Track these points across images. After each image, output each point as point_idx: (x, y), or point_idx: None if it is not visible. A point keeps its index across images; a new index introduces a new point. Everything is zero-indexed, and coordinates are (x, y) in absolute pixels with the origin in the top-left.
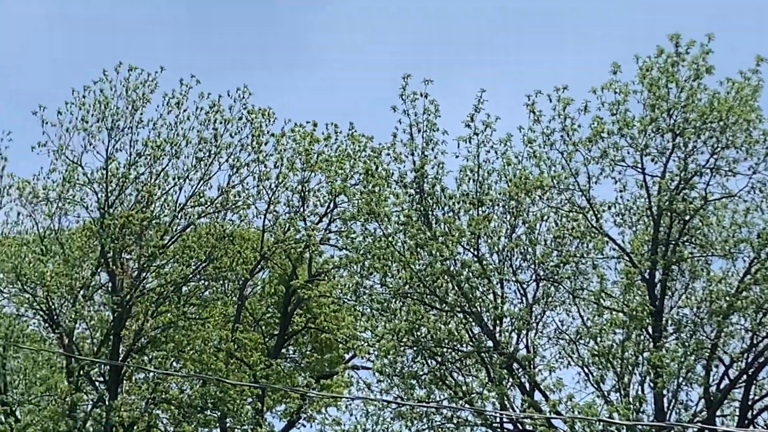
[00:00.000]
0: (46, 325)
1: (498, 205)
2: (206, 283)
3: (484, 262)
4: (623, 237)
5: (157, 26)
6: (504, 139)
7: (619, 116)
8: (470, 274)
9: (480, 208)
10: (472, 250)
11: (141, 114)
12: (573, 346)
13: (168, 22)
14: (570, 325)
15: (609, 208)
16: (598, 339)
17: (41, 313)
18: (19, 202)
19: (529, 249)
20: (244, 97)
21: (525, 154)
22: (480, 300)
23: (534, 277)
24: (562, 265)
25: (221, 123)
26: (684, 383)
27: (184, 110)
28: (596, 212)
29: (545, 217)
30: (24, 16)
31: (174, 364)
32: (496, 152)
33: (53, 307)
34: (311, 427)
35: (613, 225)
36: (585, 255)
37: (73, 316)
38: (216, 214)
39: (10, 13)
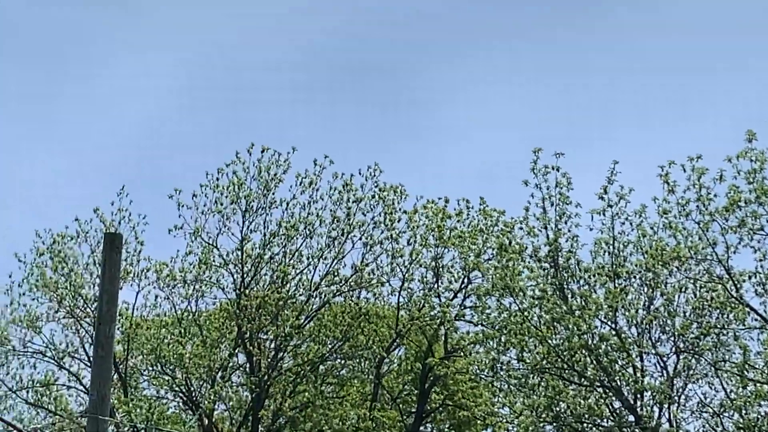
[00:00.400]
0: (186, 407)
1: (635, 277)
2: (343, 361)
3: (623, 335)
4: (765, 307)
5: (285, 105)
6: (639, 210)
7: (756, 184)
8: (609, 347)
9: (616, 281)
10: (609, 323)
11: (274, 194)
12: (717, 419)
13: (297, 101)
14: (713, 397)
15: (749, 277)
16: (743, 412)
17: (181, 394)
18: (157, 285)
19: (668, 321)
20: (375, 175)
21: (660, 225)
22: (619, 374)
23: (674, 349)
24: (702, 336)
25: (354, 201)
26: None
27: (317, 189)
28: (736, 282)
29: (683, 288)
30: (148, 97)
31: None
32: (630, 224)
33: (192, 388)
34: None
35: (755, 295)
36: (726, 326)
37: (212, 397)
38: (350, 292)
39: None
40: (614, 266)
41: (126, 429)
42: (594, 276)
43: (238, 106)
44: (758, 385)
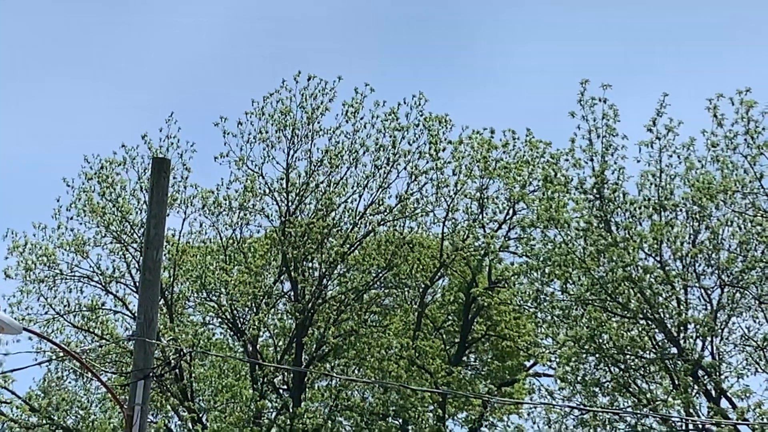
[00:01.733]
0: (231, 333)
1: (681, 210)
2: (387, 290)
3: (667, 268)
4: None
5: (334, 32)
6: (687, 143)
7: None
8: (653, 280)
9: (662, 214)
10: (654, 255)
11: (319, 123)
12: (760, 353)
13: (347, 28)
14: (757, 331)
15: None
16: None
17: (226, 321)
18: (203, 213)
19: (713, 254)
20: (420, 104)
21: (708, 158)
22: (663, 306)
23: (718, 282)
24: (747, 270)
25: (398, 130)
26: None
27: (361, 118)
28: None
29: (729, 222)
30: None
31: (355, 371)
32: (678, 157)
33: (237, 315)
34: None
35: None
36: None
37: (256, 324)
38: (395, 221)
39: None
40: (660, 199)
41: (172, 353)
42: (640, 208)
43: (285, 36)
44: None
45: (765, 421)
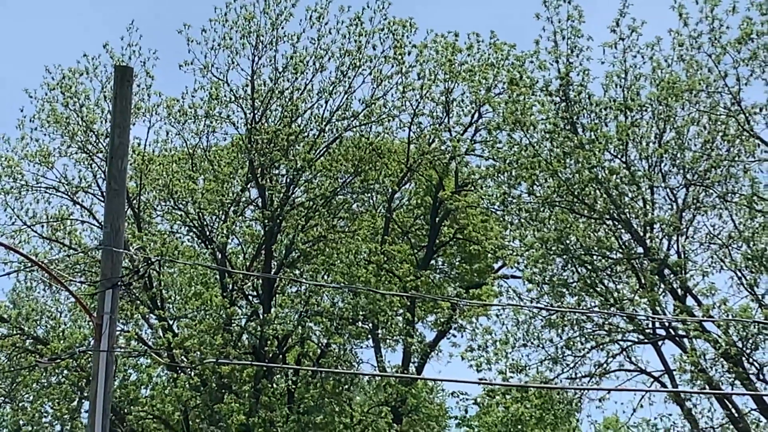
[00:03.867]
0: (199, 241)
1: (646, 110)
2: (354, 196)
3: (633, 169)
4: None
5: None
6: (652, 43)
7: None
8: (618, 180)
9: (628, 114)
10: (620, 156)
11: (283, 29)
12: (725, 251)
13: None
14: (722, 229)
15: (760, 110)
16: (751, 243)
17: (194, 229)
18: (168, 121)
19: (679, 154)
20: (384, 8)
21: (675, 57)
22: (629, 206)
23: (684, 182)
24: (712, 169)
25: (362, 35)
26: None
27: (326, 24)
28: (747, 115)
29: (694, 122)
30: None
31: (325, 277)
32: (642, 57)
33: (205, 223)
34: (462, 337)
35: (765, 127)
36: (736, 158)
37: (224, 231)
38: (361, 127)
39: None
40: (625, 99)
41: (140, 262)
42: (605, 110)
43: None
44: (766, 216)
45: (730, 317)
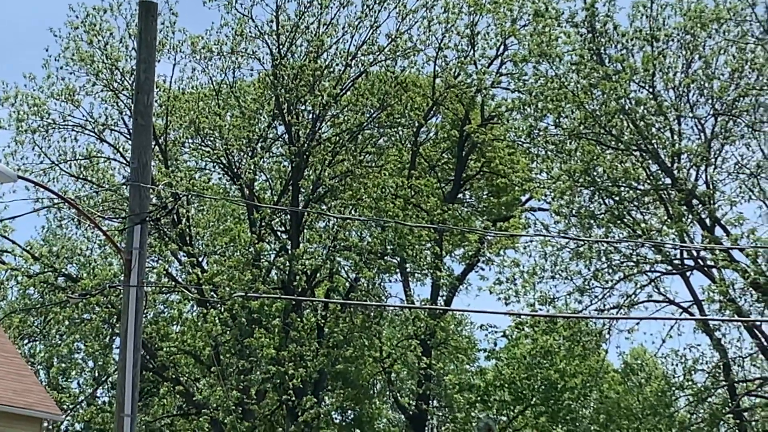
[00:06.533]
0: (227, 177)
1: (673, 40)
2: (380, 130)
3: (660, 99)
4: None
5: None
6: None
7: None
8: (645, 111)
9: (654, 44)
10: (647, 87)
11: None
12: (753, 180)
13: None
14: (750, 159)
15: None
16: None
17: (221, 166)
18: (193, 58)
19: (706, 83)
20: None
21: None
22: (656, 137)
23: (712, 111)
24: (740, 98)
25: None
26: None
27: None
28: None
29: (722, 51)
30: None
31: (352, 211)
32: None
33: (232, 160)
34: (490, 269)
35: None
36: (765, 87)
37: (252, 167)
38: (387, 61)
39: None
40: (652, 30)
41: (168, 198)
42: (631, 40)
43: None
44: None
45: (758, 245)
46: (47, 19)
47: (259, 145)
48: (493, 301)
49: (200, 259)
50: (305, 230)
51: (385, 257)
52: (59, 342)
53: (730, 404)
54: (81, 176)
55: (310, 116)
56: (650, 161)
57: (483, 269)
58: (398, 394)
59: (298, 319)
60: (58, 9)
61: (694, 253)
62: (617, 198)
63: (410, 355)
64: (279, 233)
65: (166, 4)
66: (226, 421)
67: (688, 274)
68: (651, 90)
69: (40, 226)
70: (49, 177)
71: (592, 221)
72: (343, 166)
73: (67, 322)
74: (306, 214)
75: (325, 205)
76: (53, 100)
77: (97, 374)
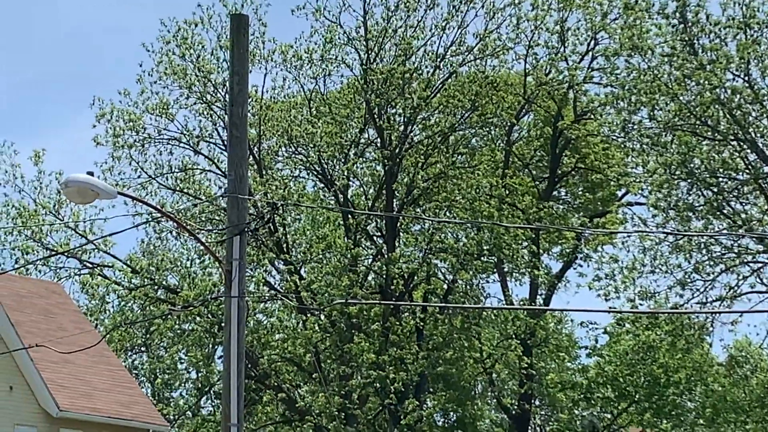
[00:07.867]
0: (321, 185)
1: (767, 27)
2: (472, 131)
3: (756, 87)
4: None
5: None
6: None
7: None
8: (742, 100)
9: (748, 32)
10: (742, 75)
11: None
12: None
13: None
14: None
15: None
16: None
17: (315, 173)
18: (284, 67)
19: None
20: None
21: None
22: (754, 126)
23: None
24: None
25: None
26: None
27: None
28: None
29: None
30: None
31: (447, 213)
32: None
33: (326, 167)
34: (588, 266)
35: None
36: None
37: (345, 173)
38: (476, 61)
39: None
40: (745, 17)
41: (264, 208)
42: (724, 29)
43: None
44: None
45: None
46: (140, 34)
47: (352, 151)
48: (593, 297)
49: (298, 266)
50: (401, 234)
51: (482, 258)
52: (162, 354)
53: None
54: (178, 189)
55: (401, 119)
56: (748, 150)
57: (581, 266)
58: (500, 395)
59: (397, 323)
60: (150, 24)
61: None
62: (716, 189)
63: (511, 355)
64: (375, 238)
65: (255, 14)
66: (329, 426)
67: None
68: (746, 78)
69: (140, 240)
70: (147, 191)
71: (690, 214)
72: (436, 168)
73: (170, 333)
74: (401, 217)
75: (419, 207)
76: (148, 114)
77: (200, 384)
